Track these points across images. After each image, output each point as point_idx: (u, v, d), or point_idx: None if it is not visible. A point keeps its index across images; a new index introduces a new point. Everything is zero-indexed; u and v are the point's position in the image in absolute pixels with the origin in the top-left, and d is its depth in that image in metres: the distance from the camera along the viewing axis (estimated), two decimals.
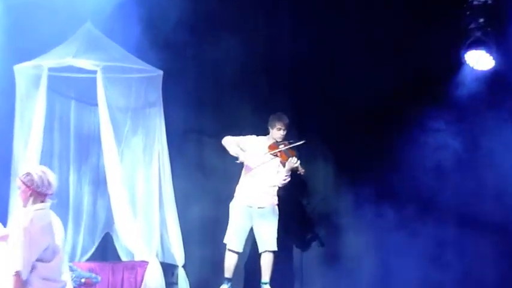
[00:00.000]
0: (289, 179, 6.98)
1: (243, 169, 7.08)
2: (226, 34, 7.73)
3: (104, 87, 7.07)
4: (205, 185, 7.73)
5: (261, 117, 7.49)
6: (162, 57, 7.45)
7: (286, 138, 7.10)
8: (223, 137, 7.42)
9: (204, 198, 7.82)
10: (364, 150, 7.65)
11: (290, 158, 6.88)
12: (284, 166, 6.97)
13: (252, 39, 7.79)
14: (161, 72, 7.39)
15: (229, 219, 7.08)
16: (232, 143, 7.07)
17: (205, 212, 7.77)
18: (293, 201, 7.86)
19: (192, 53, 7.89)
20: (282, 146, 6.92)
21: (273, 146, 6.96)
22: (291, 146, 6.88)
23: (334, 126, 7.76)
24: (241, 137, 7.12)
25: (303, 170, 6.86)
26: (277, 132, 7.03)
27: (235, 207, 7.14)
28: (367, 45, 7.57)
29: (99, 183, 7.43)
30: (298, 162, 6.84)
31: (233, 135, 7.25)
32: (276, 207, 7.15)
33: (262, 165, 7.03)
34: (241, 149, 7.09)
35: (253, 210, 7.09)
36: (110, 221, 7.39)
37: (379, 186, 7.67)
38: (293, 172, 6.96)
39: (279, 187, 7.10)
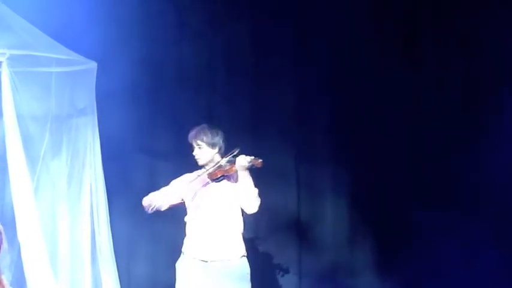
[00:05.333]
0: (252, 189, 5.53)
1: (186, 216, 5.73)
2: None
3: (11, 86, 6.05)
4: (158, 229, 6.58)
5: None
6: (98, 47, 6.46)
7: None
8: (181, 157, 6.17)
9: (155, 250, 6.83)
10: None
11: (236, 162, 5.49)
12: (234, 179, 5.59)
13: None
14: (94, 65, 6.28)
15: (176, 283, 5.63)
16: (157, 195, 5.70)
17: (158, 268, 6.80)
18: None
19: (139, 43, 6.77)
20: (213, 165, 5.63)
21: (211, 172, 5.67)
22: (226, 157, 5.58)
23: None
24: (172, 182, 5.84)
25: (260, 161, 5.53)
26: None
27: (183, 266, 5.61)
28: None
29: (5, 228, 5.95)
30: (249, 157, 5.50)
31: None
32: (245, 260, 5.57)
33: (207, 198, 5.62)
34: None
35: (210, 267, 5.49)
36: (20, 283, 6.22)
37: None
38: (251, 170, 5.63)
39: (244, 215, 5.60)
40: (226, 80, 6.94)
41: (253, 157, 5.54)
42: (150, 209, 5.62)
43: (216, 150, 5.54)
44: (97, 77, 6.23)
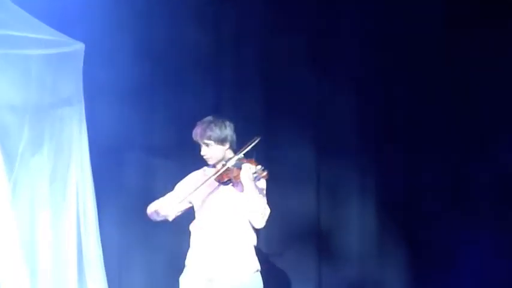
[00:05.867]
0: (259, 199, 5.12)
1: (191, 224, 5.35)
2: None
3: None
4: (154, 236, 6.21)
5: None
6: (86, 26, 6.14)
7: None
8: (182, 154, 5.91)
9: (151, 259, 6.45)
10: None
11: (242, 167, 5.09)
12: (239, 186, 5.17)
13: None
14: (82, 47, 5.82)
15: None
16: (163, 202, 5.30)
17: (153, 280, 6.45)
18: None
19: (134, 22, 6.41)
20: (222, 164, 5.20)
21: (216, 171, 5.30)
22: (236, 156, 5.17)
23: None
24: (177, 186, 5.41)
25: (265, 173, 5.14)
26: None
27: (187, 282, 5.30)
28: None
29: None
30: (257, 166, 5.11)
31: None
32: (258, 275, 5.22)
33: (215, 205, 5.23)
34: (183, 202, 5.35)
35: (218, 285, 5.17)
36: None
37: None
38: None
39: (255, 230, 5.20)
40: (236, 64, 6.46)
41: (259, 167, 5.06)
42: (157, 219, 5.24)
43: (227, 145, 5.10)
44: (85, 61, 5.77)
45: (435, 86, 6.57)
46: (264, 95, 6.51)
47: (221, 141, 5.07)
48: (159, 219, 5.26)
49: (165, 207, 5.22)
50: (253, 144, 5.16)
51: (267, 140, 6.15)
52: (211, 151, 5.10)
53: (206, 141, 5.12)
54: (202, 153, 5.16)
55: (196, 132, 5.16)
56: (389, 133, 6.56)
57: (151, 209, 5.28)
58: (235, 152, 5.10)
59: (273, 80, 6.47)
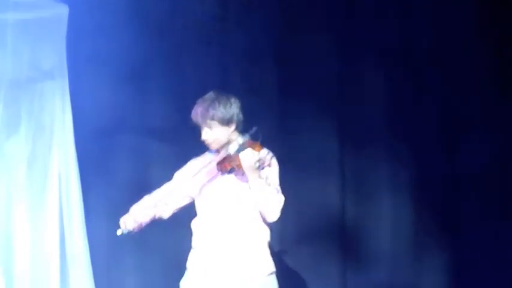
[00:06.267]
0: (264, 196, 4.65)
1: (193, 221, 4.85)
2: None
3: None
4: (148, 232, 5.18)
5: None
6: None
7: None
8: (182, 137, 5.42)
9: (144, 259, 5.96)
10: None
11: (243, 153, 4.59)
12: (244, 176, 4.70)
13: None
14: (65, 11, 5.35)
15: None
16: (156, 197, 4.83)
17: (147, 282, 5.96)
18: None
19: None
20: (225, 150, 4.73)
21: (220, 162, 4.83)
22: (239, 139, 4.65)
23: None
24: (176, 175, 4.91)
25: (272, 160, 4.71)
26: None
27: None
28: None
29: None
30: (261, 152, 4.64)
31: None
32: (273, 278, 4.79)
33: (219, 197, 4.76)
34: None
35: None
36: None
37: None
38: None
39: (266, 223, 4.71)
40: (246, 32, 5.89)
41: (264, 152, 4.57)
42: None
43: (233, 127, 4.60)
44: (69, 28, 5.33)
45: (470, 66, 6.06)
46: (278, 70, 5.92)
47: (226, 122, 4.57)
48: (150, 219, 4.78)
49: (158, 207, 4.76)
50: (249, 135, 4.58)
51: (281, 122, 5.82)
52: (214, 134, 4.61)
53: (209, 122, 4.60)
54: (203, 137, 4.67)
55: (197, 112, 4.64)
56: (424, 115, 5.97)
57: (140, 207, 4.76)
58: (242, 134, 4.60)
59: (288, 52, 5.89)
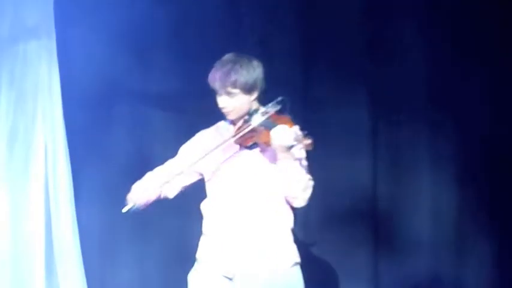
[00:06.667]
0: (295, 178, 4.33)
1: (202, 202, 4.51)
2: None
3: None
4: (146, 219, 5.25)
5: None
6: None
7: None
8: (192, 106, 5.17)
9: (142, 250, 5.56)
10: None
11: (271, 137, 4.25)
12: (268, 153, 4.36)
13: None
14: None
15: None
16: (161, 174, 4.47)
17: (145, 276, 5.56)
18: None
19: None
20: (244, 122, 4.34)
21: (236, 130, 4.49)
22: (264, 111, 4.29)
23: None
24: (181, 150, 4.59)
25: (309, 142, 4.24)
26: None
27: (200, 282, 4.54)
28: None
29: None
30: (296, 131, 4.26)
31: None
32: (297, 270, 4.48)
33: (236, 175, 4.43)
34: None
35: (243, 284, 4.49)
36: None
37: None
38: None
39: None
40: None
41: (299, 132, 4.17)
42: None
43: (255, 95, 4.20)
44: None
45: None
46: (300, 32, 5.45)
47: (249, 89, 4.18)
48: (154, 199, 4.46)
49: (165, 181, 4.40)
50: (275, 107, 4.18)
51: (304, 92, 5.52)
52: (234, 102, 4.19)
53: (230, 89, 4.19)
54: (221, 104, 4.25)
55: (215, 77, 4.21)
56: (468, 80, 5.42)
57: (142, 186, 4.39)
58: (263, 105, 4.18)
59: (312, 11, 5.40)
